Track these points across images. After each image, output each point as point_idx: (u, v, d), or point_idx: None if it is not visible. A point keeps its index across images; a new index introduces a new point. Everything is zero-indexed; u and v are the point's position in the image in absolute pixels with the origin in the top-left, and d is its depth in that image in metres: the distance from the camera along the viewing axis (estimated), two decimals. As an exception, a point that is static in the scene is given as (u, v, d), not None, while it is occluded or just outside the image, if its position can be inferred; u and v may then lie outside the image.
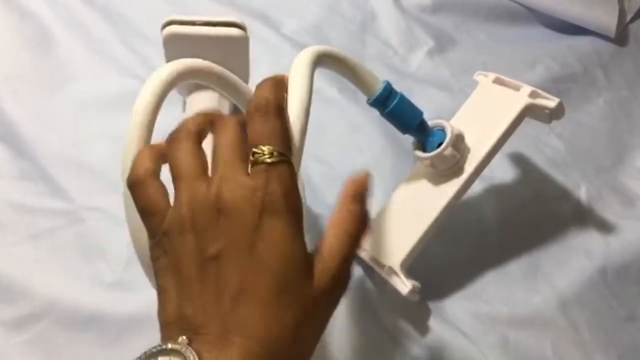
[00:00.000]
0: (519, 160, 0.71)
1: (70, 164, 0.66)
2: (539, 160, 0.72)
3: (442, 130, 0.56)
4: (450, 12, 0.89)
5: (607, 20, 0.86)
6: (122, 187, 0.38)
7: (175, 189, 0.35)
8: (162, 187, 0.36)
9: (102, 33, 0.81)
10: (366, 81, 0.50)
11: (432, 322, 0.59)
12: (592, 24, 0.87)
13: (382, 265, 0.57)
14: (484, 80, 0.64)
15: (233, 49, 0.63)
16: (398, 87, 0.75)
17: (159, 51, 0.79)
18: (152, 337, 0.54)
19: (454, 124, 0.56)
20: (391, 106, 0.52)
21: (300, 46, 0.80)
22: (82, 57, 0.78)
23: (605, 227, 0.66)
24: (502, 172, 0.70)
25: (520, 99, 0.58)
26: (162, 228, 0.34)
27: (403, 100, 0.53)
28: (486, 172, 0.69)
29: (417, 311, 0.59)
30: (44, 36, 0.79)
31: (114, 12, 0.84)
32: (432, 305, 0.60)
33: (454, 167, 0.56)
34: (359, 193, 0.37)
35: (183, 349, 0.30)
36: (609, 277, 0.62)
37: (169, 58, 0.62)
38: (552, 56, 0.84)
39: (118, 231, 0.59)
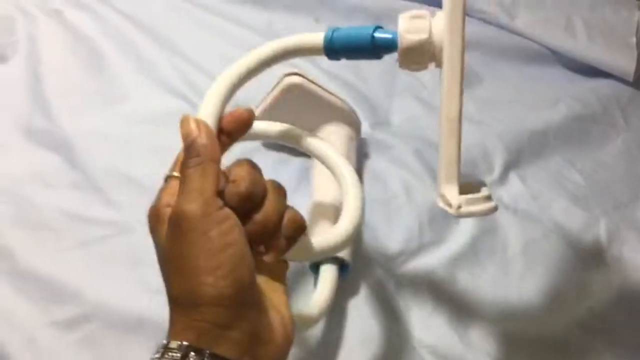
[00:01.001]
0: (542, 193, 0.75)
1: (120, 178, 0.70)
2: (561, 193, 0.75)
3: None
4: (478, 50, 0.93)
5: (626, 64, 0.90)
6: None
7: None
8: None
9: (150, 54, 0.86)
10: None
11: (457, 343, 0.61)
12: (611, 68, 0.91)
13: None
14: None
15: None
16: (426, 119, 0.79)
17: (202, 73, 0.84)
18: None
19: None
20: (337, 43, 0.49)
21: (337, 79, 0.84)
22: (132, 76, 0.82)
23: (622, 261, 0.69)
24: (525, 203, 0.73)
25: None
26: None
27: (341, 30, 0.49)
28: (511, 202, 0.73)
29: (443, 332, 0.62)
30: (97, 56, 0.84)
31: (161, 36, 0.89)
32: (457, 328, 0.62)
33: None
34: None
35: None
36: (624, 307, 0.64)
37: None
38: (574, 96, 0.88)
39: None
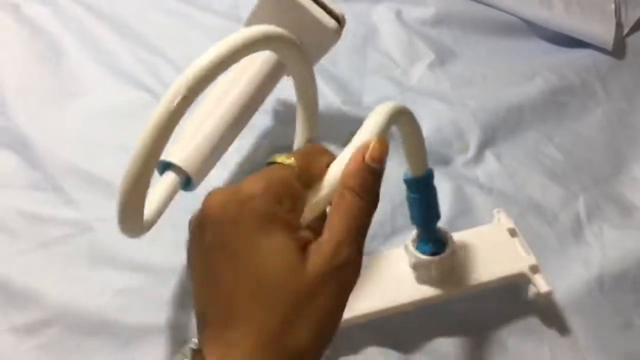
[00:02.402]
0: (518, 171, 0.73)
1: (80, 175, 0.68)
2: (538, 170, 0.73)
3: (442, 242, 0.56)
4: (450, 25, 0.91)
5: (605, 33, 0.88)
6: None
7: None
8: None
9: (112, 46, 0.83)
10: (417, 159, 0.50)
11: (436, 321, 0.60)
12: (589, 37, 0.88)
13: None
14: None
15: (320, 37, 0.61)
16: (399, 99, 0.77)
17: (167, 63, 0.82)
18: (159, 342, 0.56)
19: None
20: (418, 195, 0.52)
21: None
22: (92, 69, 0.80)
23: (602, 236, 0.67)
24: (501, 182, 0.72)
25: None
26: None
27: (432, 196, 0.53)
28: (486, 181, 0.71)
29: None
30: (54, 50, 0.81)
31: (122, 25, 0.86)
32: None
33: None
34: (362, 165, 0.35)
35: (189, 350, 0.32)
36: (606, 286, 0.63)
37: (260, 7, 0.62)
38: (551, 69, 0.85)
39: (126, 240, 0.60)
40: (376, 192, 0.35)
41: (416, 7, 0.92)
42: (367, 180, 0.35)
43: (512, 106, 0.80)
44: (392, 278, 0.57)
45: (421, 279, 0.56)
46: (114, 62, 0.81)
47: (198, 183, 0.60)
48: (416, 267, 0.55)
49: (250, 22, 0.62)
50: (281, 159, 0.35)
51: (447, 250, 0.55)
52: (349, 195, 0.34)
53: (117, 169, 0.66)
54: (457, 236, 0.58)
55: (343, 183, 0.34)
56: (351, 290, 0.34)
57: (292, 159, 0.35)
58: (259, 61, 0.60)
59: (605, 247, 0.66)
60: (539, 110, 0.80)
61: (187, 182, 0.57)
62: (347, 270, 0.33)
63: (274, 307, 0.31)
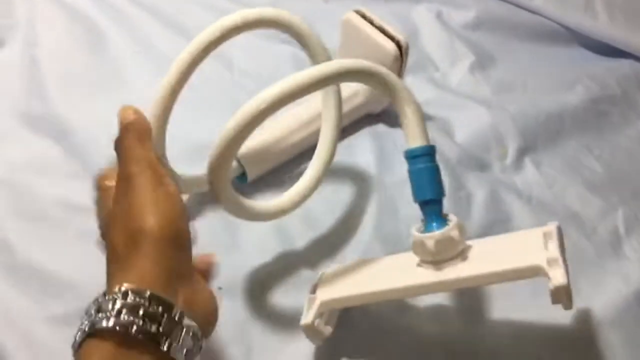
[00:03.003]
0: (557, 180, 0.72)
1: (119, 166, 0.68)
2: (577, 180, 0.72)
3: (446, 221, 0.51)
4: (491, 30, 0.90)
5: (647, 43, 0.87)
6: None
7: None
8: None
9: (152, 37, 0.83)
10: (416, 129, 0.51)
11: (468, 327, 0.59)
12: (632, 48, 0.88)
13: None
14: None
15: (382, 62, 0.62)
16: (438, 102, 0.77)
17: (207, 58, 0.81)
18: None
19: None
20: (417, 167, 0.51)
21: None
22: (133, 59, 0.80)
23: (640, 252, 0.66)
24: (540, 191, 0.71)
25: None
26: None
27: (431, 171, 0.51)
28: (524, 189, 0.71)
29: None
30: (95, 38, 0.81)
31: (163, 16, 0.86)
32: (470, 311, 0.60)
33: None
34: None
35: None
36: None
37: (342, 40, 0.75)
38: (592, 77, 0.84)
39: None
40: None
41: (457, 9, 0.92)
42: None
43: (552, 114, 0.79)
44: (395, 267, 0.55)
45: (423, 264, 0.51)
46: (155, 53, 0.81)
47: (251, 177, 0.67)
48: (414, 247, 0.51)
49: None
50: None
51: (446, 228, 0.50)
52: None
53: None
54: (490, 239, 0.56)
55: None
56: None
57: None
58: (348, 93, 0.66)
59: (643, 262, 0.65)
60: (579, 119, 0.79)
61: (242, 175, 0.66)
62: None
63: None
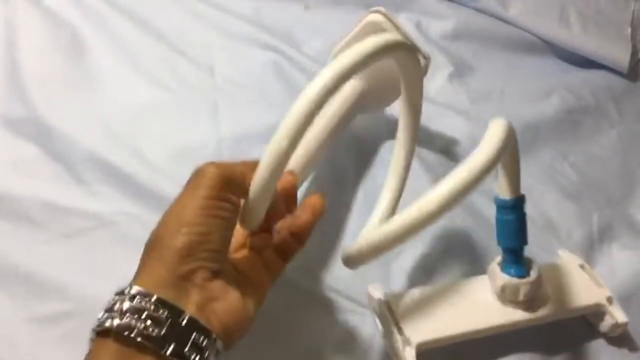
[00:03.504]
0: (534, 187, 0.74)
1: (102, 168, 0.68)
2: (554, 188, 0.74)
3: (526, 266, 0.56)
4: (469, 40, 0.92)
5: (620, 56, 0.90)
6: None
7: None
8: None
9: (132, 41, 0.83)
10: (511, 182, 0.53)
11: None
12: (605, 59, 0.90)
13: None
14: None
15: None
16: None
17: (187, 62, 0.82)
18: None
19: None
20: (506, 218, 0.54)
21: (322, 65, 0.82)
22: (113, 63, 0.80)
23: (613, 257, 0.68)
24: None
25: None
26: None
27: (520, 221, 0.54)
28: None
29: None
30: (76, 42, 0.81)
31: (143, 21, 0.86)
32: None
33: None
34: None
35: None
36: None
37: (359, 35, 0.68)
38: (567, 88, 0.87)
39: (146, 235, 0.61)
40: None
41: (436, 20, 0.94)
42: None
43: (528, 123, 0.81)
44: (476, 303, 0.57)
45: (507, 303, 0.56)
46: (135, 59, 0.81)
47: None
48: (504, 289, 0.55)
49: (342, 49, 0.68)
50: None
51: (534, 274, 0.55)
52: None
53: (136, 164, 0.68)
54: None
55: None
56: None
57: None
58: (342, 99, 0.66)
59: (615, 268, 0.67)
60: (554, 128, 0.82)
61: None
62: None
63: None
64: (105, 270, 0.60)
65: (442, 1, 0.96)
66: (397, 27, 0.65)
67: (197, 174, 0.43)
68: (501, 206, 0.54)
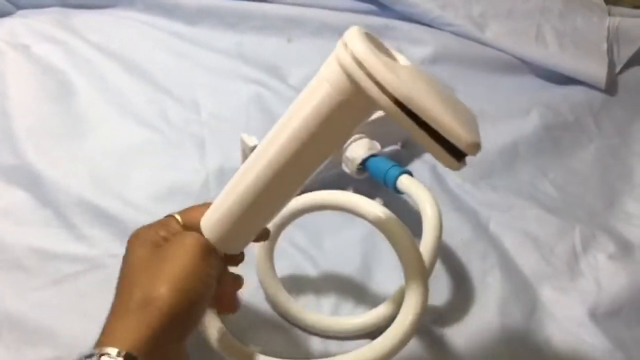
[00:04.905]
0: (514, 204, 0.75)
1: (91, 212, 0.69)
2: (534, 204, 0.75)
3: None
4: (448, 63, 0.94)
5: (597, 71, 0.91)
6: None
7: None
8: None
9: (120, 85, 0.85)
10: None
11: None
12: (583, 75, 0.92)
13: None
14: None
15: None
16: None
17: (173, 102, 0.84)
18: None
19: None
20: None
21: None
22: (102, 108, 0.82)
23: (597, 267, 0.69)
24: (498, 212, 0.74)
25: None
26: None
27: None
28: (484, 214, 0.73)
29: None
30: (65, 89, 0.83)
31: (131, 64, 0.89)
32: (433, 343, 0.62)
33: None
34: None
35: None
36: (599, 318, 0.64)
37: None
38: (546, 105, 0.88)
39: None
40: None
41: (415, 45, 0.96)
42: None
43: (508, 141, 0.83)
44: None
45: None
46: (123, 101, 0.83)
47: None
48: None
49: None
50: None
51: None
52: None
53: (123, 206, 0.70)
54: None
55: None
56: None
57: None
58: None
59: (600, 279, 0.68)
60: (534, 145, 0.83)
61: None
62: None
63: None
64: (97, 315, 0.61)
65: (421, 27, 0.98)
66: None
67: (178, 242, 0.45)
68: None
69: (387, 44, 0.94)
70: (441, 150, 0.36)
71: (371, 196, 0.67)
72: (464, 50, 0.96)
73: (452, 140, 0.35)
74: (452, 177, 0.77)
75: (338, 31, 0.96)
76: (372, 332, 0.59)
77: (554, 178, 0.79)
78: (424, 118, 0.35)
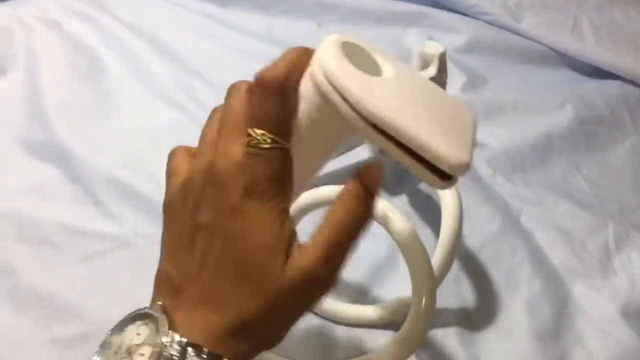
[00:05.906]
0: (547, 198, 0.74)
1: (120, 190, 0.69)
2: (566, 199, 0.74)
3: None
4: (482, 53, 0.93)
5: (634, 66, 0.89)
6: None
7: None
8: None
9: (150, 64, 0.85)
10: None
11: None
12: (619, 69, 0.90)
13: None
14: None
15: None
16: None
17: (203, 84, 0.84)
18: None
19: None
20: None
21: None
22: (132, 87, 0.82)
23: (633, 266, 0.67)
24: (530, 206, 0.72)
25: None
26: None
27: None
28: (516, 207, 0.72)
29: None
30: (96, 67, 0.83)
31: (161, 44, 0.88)
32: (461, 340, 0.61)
33: None
34: (366, 183, 0.34)
35: (158, 315, 0.33)
36: (632, 316, 0.62)
37: None
38: (581, 98, 0.87)
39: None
40: (368, 217, 0.35)
41: (448, 34, 0.94)
42: (362, 204, 0.34)
43: (541, 134, 0.81)
44: None
45: None
46: (152, 81, 0.83)
47: None
48: None
49: None
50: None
51: None
52: (340, 213, 0.34)
53: (152, 185, 0.69)
54: None
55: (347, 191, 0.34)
56: (313, 307, 0.35)
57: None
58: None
59: (633, 277, 0.66)
60: (568, 139, 0.81)
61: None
62: (323, 288, 0.34)
63: (256, 297, 0.32)
64: (123, 293, 0.62)
65: (454, 15, 0.97)
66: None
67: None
68: None
69: (421, 31, 0.93)
70: (424, 170, 0.33)
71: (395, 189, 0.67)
72: (499, 40, 0.94)
73: (435, 163, 0.32)
74: (484, 168, 0.76)
75: (369, 17, 0.97)
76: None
77: (588, 173, 0.77)
78: (401, 140, 0.32)
